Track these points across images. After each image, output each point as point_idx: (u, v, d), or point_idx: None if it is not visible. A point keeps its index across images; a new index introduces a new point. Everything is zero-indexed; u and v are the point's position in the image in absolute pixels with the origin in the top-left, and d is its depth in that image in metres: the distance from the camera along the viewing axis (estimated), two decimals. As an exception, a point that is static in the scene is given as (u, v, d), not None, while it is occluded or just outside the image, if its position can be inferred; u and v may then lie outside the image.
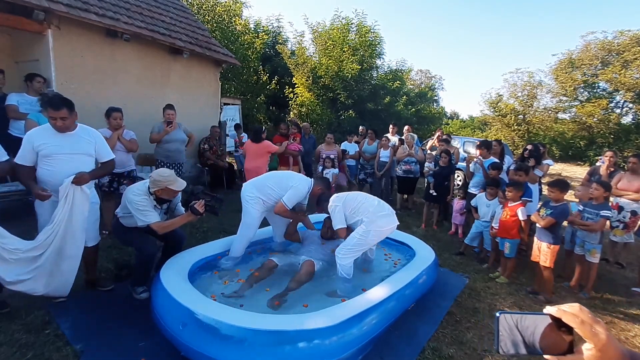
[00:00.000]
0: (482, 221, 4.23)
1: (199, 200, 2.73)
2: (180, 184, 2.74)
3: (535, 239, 3.55)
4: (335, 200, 3.08)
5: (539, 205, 3.71)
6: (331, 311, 2.29)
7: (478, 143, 5.34)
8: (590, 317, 0.60)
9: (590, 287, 3.60)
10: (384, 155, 6.35)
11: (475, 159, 4.95)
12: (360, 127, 7.83)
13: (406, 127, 7.05)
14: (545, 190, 4.20)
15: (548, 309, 0.63)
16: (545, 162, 4.90)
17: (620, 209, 4.12)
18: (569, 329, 0.61)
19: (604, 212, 3.41)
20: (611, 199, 4.11)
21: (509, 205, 3.77)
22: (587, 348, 0.60)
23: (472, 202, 4.49)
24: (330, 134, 6.47)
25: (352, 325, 2.22)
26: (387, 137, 6.69)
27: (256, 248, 3.60)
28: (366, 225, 2.97)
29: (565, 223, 3.74)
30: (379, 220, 3.00)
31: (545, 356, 0.63)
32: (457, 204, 5.14)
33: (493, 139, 8.95)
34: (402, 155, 6.10)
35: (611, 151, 4.76)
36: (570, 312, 0.61)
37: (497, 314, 0.65)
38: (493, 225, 3.98)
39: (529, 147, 4.94)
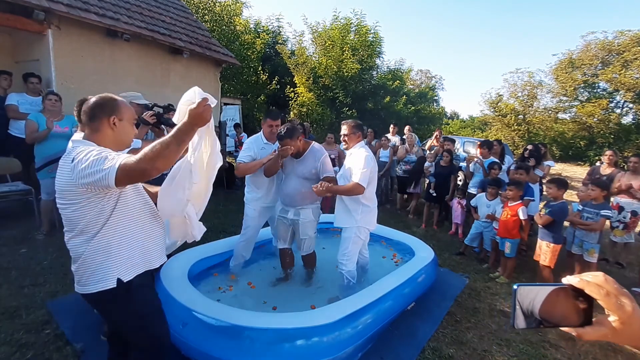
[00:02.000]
0: (482, 221, 4.22)
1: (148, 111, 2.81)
2: (140, 99, 2.96)
3: (538, 239, 3.56)
4: (370, 160, 2.71)
5: (541, 206, 3.70)
6: (327, 309, 2.29)
7: (479, 143, 5.34)
8: (615, 287, 0.56)
9: (590, 287, 3.59)
10: (384, 155, 6.35)
11: (475, 159, 4.95)
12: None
13: (407, 127, 7.05)
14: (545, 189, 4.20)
15: (568, 279, 0.58)
16: (546, 163, 4.90)
17: (620, 209, 4.11)
18: (588, 298, 0.56)
19: (604, 212, 3.41)
20: (612, 199, 4.11)
21: (509, 204, 3.77)
22: (611, 320, 0.55)
23: (472, 202, 4.49)
24: (331, 134, 6.47)
25: (348, 324, 2.21)
26: (387, 137, 6.69)
27: (256, 251, 3.51)
28: (362, 216, 2.80)
29: (566, 224, 3.73)
30: (371, 214, 2.87)
31: (562, 328, 0.59)
32: (458, 203, 5.14)
33: (493, 139, 8.96)
34: (402, 155, 6.11)
35: (611, 150, 4.76)
36: (594, 282, 0.56)
37: (515, 286, 0.59)
38: (494, 226, 3.99)
39: (530, 147, 4.95)
